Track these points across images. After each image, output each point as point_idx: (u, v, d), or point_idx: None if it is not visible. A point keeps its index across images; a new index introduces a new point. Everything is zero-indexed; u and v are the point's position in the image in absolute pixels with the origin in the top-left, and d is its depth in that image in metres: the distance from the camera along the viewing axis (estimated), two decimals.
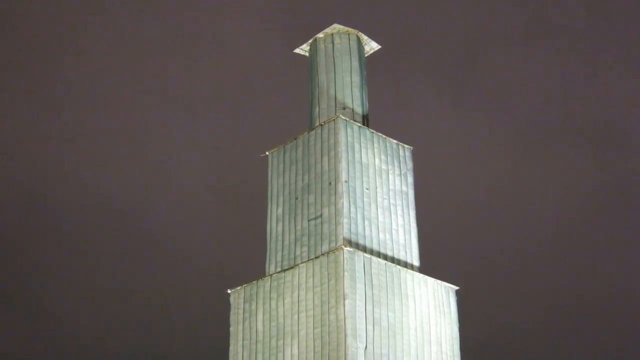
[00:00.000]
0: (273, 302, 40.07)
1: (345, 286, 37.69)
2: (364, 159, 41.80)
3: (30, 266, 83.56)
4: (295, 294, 39.47)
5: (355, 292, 37.85)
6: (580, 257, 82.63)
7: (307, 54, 46.48)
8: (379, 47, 46.64)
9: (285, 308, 39.54)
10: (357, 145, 41.84)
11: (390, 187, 42.37)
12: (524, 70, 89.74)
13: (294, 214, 41.73)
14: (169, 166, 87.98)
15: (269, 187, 43.41)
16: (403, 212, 42.31)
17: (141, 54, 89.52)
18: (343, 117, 42.09)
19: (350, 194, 40.49)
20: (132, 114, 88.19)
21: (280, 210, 42.38)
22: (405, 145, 43.99)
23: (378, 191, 41.74)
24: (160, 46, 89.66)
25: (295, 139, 43.36)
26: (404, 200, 42.59)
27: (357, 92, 44.40)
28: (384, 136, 43.27)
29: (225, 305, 41.84)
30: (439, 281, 41.34)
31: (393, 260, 40.68)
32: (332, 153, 41.31)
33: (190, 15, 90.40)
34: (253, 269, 42.83)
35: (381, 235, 40.87)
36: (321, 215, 40.58)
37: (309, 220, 41.02)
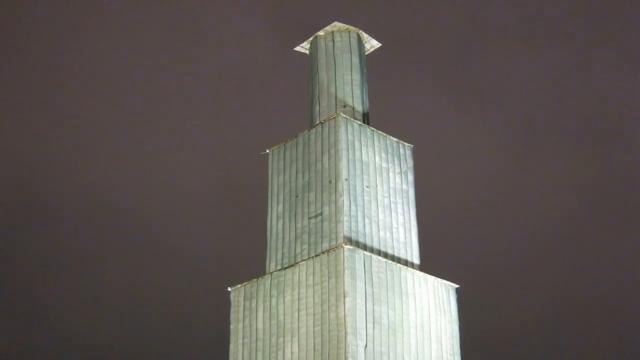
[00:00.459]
0: (273, 300, 40.05)
1: (345, 284, 37.67)
2: (364, 157, 41.77)
3: (30, 266, 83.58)
4: (296, 291, 39.44)
5: (355, 290, 37.83)
6: (581, 255, 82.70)
7: (307, 51, 46.46)
8: (380, 44, 46.63)
9: (286, 306, 39.52)
10: (357, 143, 41.81)
11: (391, 185, 42.34)
12: (522, 68, 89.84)
13: (294, 211, 41.70)
14: (169, 165, 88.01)
15: (270, 185, 43.38)
16: (403, 210, 42.28)
17: (141, 54, 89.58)
18: (343, 115, 42.06)
19: (351, 192, 40.46)
20: (132, 114, 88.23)
21: (280, 208, 42.36)
22: (406, 144, 43.96)
23: (378, 189, 41.71)
24: (160, 45, 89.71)
25: (296, 136, 43.34)
26: (404, 199, 42.56)
27: (357, 90, 44.36)
28: (384, 134, 43.24)
29: (225, 303, 41.85)
30: (439, 279, 41.31)
31: (393, 258, 40.65)
32: (333, 151, 41.27)
33: (191, 13, 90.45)
34: (253, 266, 42.89)
35: (381, 233, 40.84)
36: (321, 213, 40.55)
37: (309, 218, 40.99)
